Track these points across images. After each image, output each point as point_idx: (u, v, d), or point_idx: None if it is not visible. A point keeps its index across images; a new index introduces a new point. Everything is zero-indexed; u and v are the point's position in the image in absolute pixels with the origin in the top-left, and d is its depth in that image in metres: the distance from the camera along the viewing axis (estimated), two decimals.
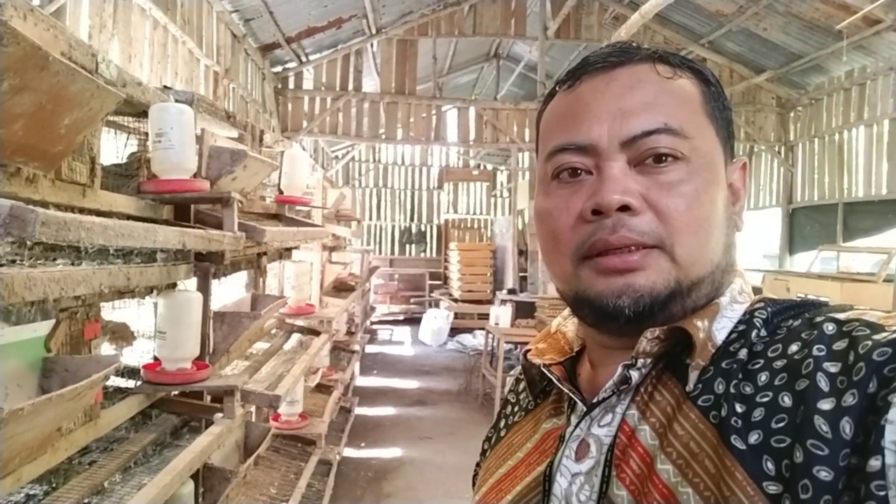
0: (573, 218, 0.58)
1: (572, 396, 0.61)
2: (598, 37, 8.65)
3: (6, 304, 0.95)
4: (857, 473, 0.41)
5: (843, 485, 0.41)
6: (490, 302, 9.80)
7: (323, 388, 3.98)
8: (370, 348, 9.40)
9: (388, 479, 4.67)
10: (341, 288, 4.99)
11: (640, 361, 0.55)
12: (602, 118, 0.57)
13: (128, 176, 1.54)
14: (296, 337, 3.01)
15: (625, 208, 0.55)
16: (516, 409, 0.74)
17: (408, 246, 14.45)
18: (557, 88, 0.64)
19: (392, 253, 14.28)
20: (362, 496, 4.36)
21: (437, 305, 12.08)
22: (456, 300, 11.79)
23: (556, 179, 0.60)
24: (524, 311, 6.85)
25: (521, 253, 11.37)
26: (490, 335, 6.94)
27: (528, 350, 0.69)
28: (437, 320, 10.64)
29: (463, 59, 11.13)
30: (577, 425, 0.59)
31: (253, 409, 2.37)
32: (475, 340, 10.17)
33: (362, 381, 7.38)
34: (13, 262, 1.11)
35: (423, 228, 14.55)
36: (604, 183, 0.56)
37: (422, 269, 13.62)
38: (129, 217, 1.53)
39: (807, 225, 8.79)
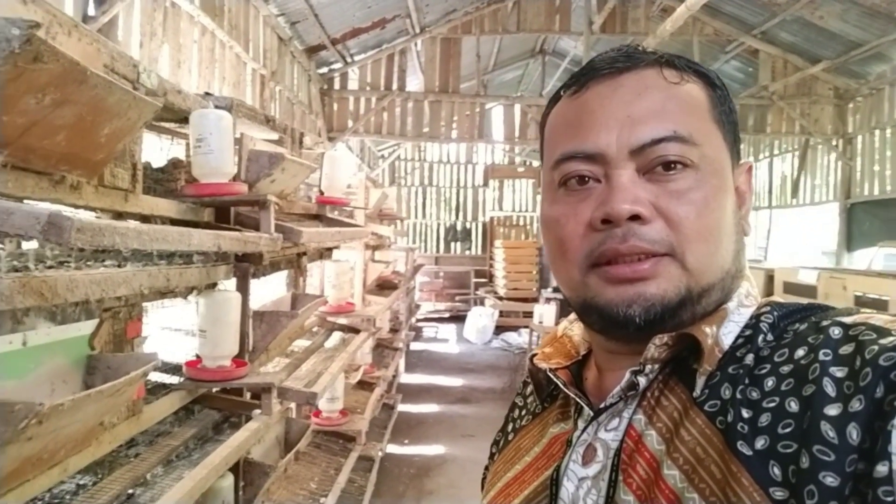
0: (582, 226, 0.58)
1: (578, 401, 0.62)
2: (644, 30, 8.47)
3: (50, 306, 1.01)
4: (863, 479, 0.41)
5: (850, 490, 0.41)
6: (535, 300, 9.73)
7: (365, 385, 4.05)
8: (415, 345, 9.47)
9: (431, 476, 4.71)
10: (385, 286, 5.05)
11: (648, 367, 0.55)
12: (610, 126, 0.57)
13: (167, 181, 1.60)
14: (337, 335, 3.07)
15: (635, 217, 0.55)
16: (524, 412, 0.74)
17: (453, 244, 14.49)
18: (562, 93, 0.64)
19: (437, 251, 14.34)
20: (405, 493, 4.41)
21: (482, 303, 12.08)
22: (501, 298, 11.76)
23: (564, 187, 0.60)
24: (568, 309, 6.75)
25: None
26: (534, 333, 6.90)
27: (535, 354, 0.70)
28: (481, 318, 10.64)
29: (507, 55, 11.08)
30: (584, 430, 0.59)
31: (293, 405, 2.43)
32: (520, 338, 10.13)
33: (407, 378, 7.45)
34: (63, 263, 1.18)
35: (468, 226, 14.57)
36: (613, 192, 0.56)
37: (467, 266, 13.63)
38: (171, 220, 1.59)
39: (866, 221, 8.43)
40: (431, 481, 4.61)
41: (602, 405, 0.58)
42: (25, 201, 1.09)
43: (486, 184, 14.57)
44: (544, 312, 6.79)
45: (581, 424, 0.61)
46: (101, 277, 1.07)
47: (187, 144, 1.94)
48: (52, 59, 0.87)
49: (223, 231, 1.42)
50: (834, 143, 8.93)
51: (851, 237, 8.77)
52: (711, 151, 0.57)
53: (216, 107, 1.72)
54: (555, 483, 0.59)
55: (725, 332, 0.55)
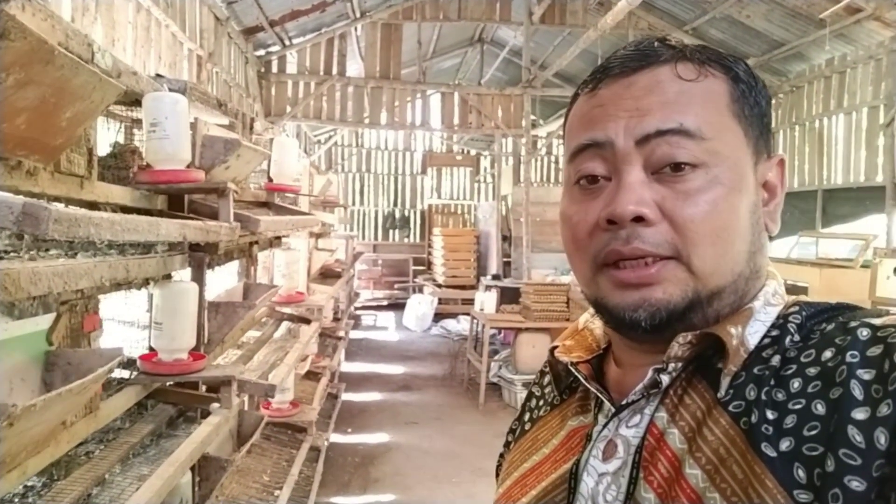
0: (590, 225, 0.58)
1: (600, 396, 0.62)
2: (582, 22, 8.63)
3: (12, 299, 0.94)
4: (889, 483, 0.41)
5: (876, 495, 0.42)
6: (474, 287, 9.83)
7: (312, 376, 3.99)
8: (354, 334, 9.40)
9: (376, 464, 4.70)
10: (328, 275, 4.98)
11: (671, 365, 0.55)
12: (619, 116, 0.57)
13: (118, 168, 1.52)
14: (285, 325, 3.01)
15: (639, 219, 0.54)
16: (541, 402, 0.74)
17: (391, 231, 14.42)
18: (580, 92, 0.64)
19: (376, 238, 14.24)
20: (350, 481, 4.39)
21: (421, 291, 12.10)
22: (440, 286, 11.82)
23: (578, 185, 0.61)
24: (509, 296, 6.88)
25: (505, 238, 11.40)
26: (475, 321, 6.97)
27: (556, 347, 0.70)
28: (421, 306, 10.67)
29: (447, 43, 11.05)
30: (605, 425, 0.59)
31: (245, 397, 2.38)
32: (459, 326, 10.22)
33: (347, 367, 7.40)
34: (8, 253, 1.11)
35: (406, 214, 14.52)
36: (619, 192, 0.56)
37: (405, 254, 13.61)
38: (122, 208, 1.52)
39: (787, 211, 8.83)
40: (376, 469, 4.61)
41: (624, 402, 0.58)
42: None
43: (424, 171, 14.55)
44: (485, 300, 6.87)
45: (601, 419, 0.61)
46: (63, 269, 1.01)
47: (127, 128, 1.85)
48: (19, 37, 0.81)
49: (188, 220, 1.37)
50: None
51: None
52: (724, 147, 0.56)
53: (170, 90, 1.65)
54: (574, 477, 0.59)
55: (751, 332, 0.55)
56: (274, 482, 2.39)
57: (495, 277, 8.40)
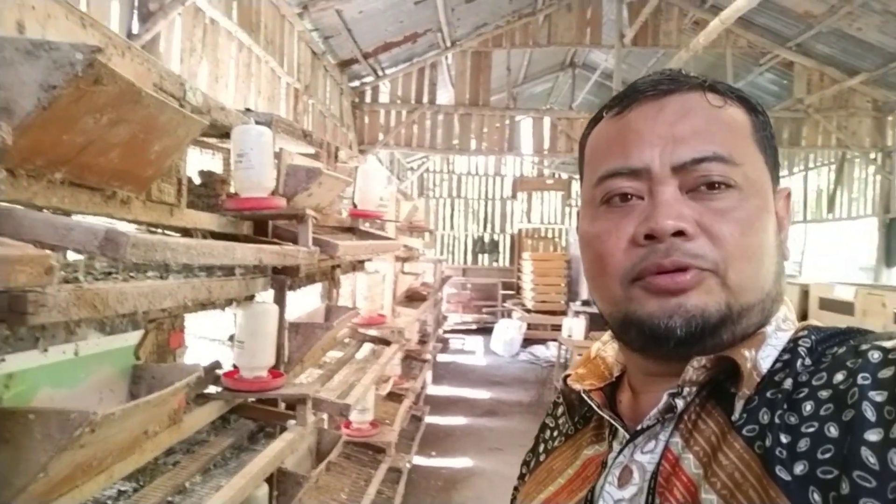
0: (624, 241, 0.58)
1: (613, 423, 0.62)
2: (676, 43, 8.41)
3: (100, 317, 1.04)
4: None
5: None
6: (563, 313, 9.67)
7: (394, 397, 4.06)
8: (442, 357, 9.47)
9: (458, 488, 4.69)
10: (413, 298, 5.08)
11: (686, 390, 0.55)
12: (654, 143, 0.58)
13: (209, 196, 1.64)
14: (368, 346, 3.09)
15: (679, 233, 0.55)
16: (555, 433, 0.74)
17: (481, 256, 14.48)
18: (604, 114, 0.65)
19: (465, 262, 14.35)
20: None
21: (509, 316, 12.04)
22: (529, 311, 11.70)
23: (606, 204, 0.61)
24: (598, 322, 6.72)
25: None
26: (563, 347, 6.86)
27: (568, 375, 0.70)
28: (509, 330, 10.60)
29: (538, 68, 11.09)
30: (620, 452, 0.59)
31: (325, 416, 2.46)
32: (548, 352, 10.07)
33: (434, 390, 7.45)
34: (109, 274, 1.22)
35: (496, 238, 14.55)
36: (657, 208, 0.56)
37: (494, 278, 13.61)
38: (212, 233, 1.63)
39: None
40: (459, 494, 4.60)
41: (639, 427, 0.58)
42: (79, 216, 1.13)
43: (514, 196, 14.56)
44: (573, 326, 6.75)
45: (616, 446, 0.61)
46: (148, 290, 1.10)
47: (225, 159, 1.99)
48: (110, 81, 0.90)
49: (264, 245, 1.46)
50: (872, 156, 8.74)
51: (891, 252, 8.55)
52: (753, 173, 0.58)
53: (256, 122, 1.76)
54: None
55: (763, 356, 0.55)
56: (351, 501, 2.45)
57: (585, 303, 8.23)
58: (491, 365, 9.68)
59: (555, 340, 8.27)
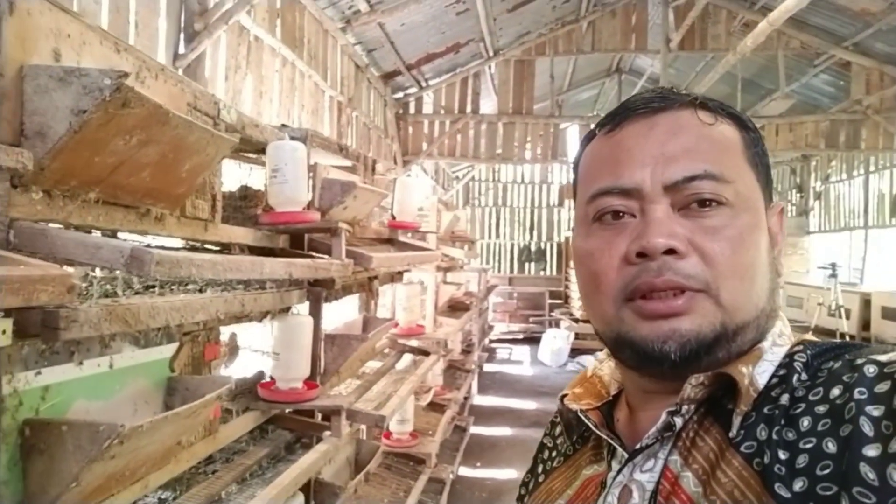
0: (616, 259, 0.58)
1: (611, 443, 0.61)
2: (725, 45, 8.20)
3: (132, 331, 1.08)
4: None
5: None
6: None
7: (436, 407, 4.06)
8: (488, 367, 9.42)
9: (503, 499, 4.65)
10: (456, 307, 5.08)
11: (685, 407, 0.55)
12: (645, 162, 0.58)
13: (246, 209, 1.68)
14: (408, 357, 3.10)
15: (670, 252, 0.55)
16: (554, 454, 0.74)
17: (527, 264, 14.38)
18: (597, 132, 0.65)
19: (511, 271, 14.27)
20: None
21: (557, 325, 11.90)
22: (577, 320, 11.53)
23: (598, 221, 0.61)
24: None
25: None
26: None
27: (565, 395, 0.69)
28: (556, 340, 10.47)
29: (583, 75, 10.99)
30: (619, 471, 0.59)
31: (364, 427, 2.48)
32: None
33: (479, 400, 7.42)
34: (149, 288, 1.26)
35: (542, 246, 14.44)
36: (649, 226, 0.56)
37: (541, 287, 13.48)
38: (248, 247, 1.67)
39: None
40: None
41: (638, 446, 0.58)
42: (116, 233, 1.17)
43: (561, 203, 14.42)
44: None
45: (615, 465, 0.60)
46: (180, 304, 1.13)
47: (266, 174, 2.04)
48: (138, 104, 0.94)
49: (295, 258, 1.48)
50: None
51: None
52: (745, 189, 0.58)
53: (291, 138, 1.80)
54: None
55: (760, 372, 0.55)
56: None
57: None
58: (538, 375, 9.58)
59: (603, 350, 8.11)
